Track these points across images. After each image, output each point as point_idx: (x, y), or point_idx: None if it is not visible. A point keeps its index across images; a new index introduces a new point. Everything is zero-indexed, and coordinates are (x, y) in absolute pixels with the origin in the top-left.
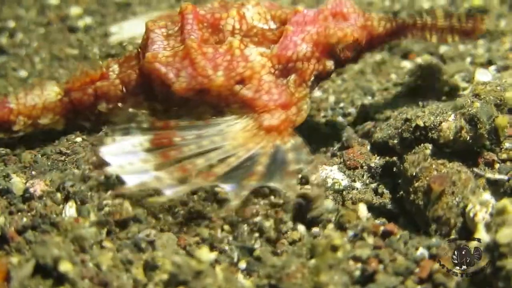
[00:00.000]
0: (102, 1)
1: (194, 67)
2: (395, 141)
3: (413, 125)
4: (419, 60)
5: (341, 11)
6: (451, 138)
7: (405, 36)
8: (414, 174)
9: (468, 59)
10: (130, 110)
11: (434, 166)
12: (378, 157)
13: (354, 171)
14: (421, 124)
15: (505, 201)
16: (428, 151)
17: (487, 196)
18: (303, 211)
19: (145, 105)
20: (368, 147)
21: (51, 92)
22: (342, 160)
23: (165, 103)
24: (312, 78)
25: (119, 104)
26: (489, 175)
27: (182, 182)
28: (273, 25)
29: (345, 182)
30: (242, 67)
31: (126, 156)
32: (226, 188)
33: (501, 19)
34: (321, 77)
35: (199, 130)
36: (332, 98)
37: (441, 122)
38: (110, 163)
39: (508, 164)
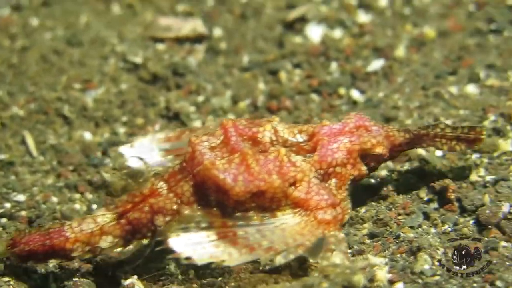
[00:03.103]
0: None
1: (250, 172)
2: None
3: None
4: None
5: (364, 124)
6: None
7: (420, 145)
8: None
9: None
10: (186, 212)
11: None
12: None
13: None
14: None
15: None
16: None
17: None
18: None
19: (200, 212)
20: None
21: (106, 218)
22: None
23: (220, 208)
24: (349, 182)
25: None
26: None
27: None
28: (300, 139)
29: None
30: (293, 170)
31: (197, 244)
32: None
33: (362, 207)
34: (356, 180)
35: (258, 227)
36: None
37: None
38: (179, 251)
39: None
